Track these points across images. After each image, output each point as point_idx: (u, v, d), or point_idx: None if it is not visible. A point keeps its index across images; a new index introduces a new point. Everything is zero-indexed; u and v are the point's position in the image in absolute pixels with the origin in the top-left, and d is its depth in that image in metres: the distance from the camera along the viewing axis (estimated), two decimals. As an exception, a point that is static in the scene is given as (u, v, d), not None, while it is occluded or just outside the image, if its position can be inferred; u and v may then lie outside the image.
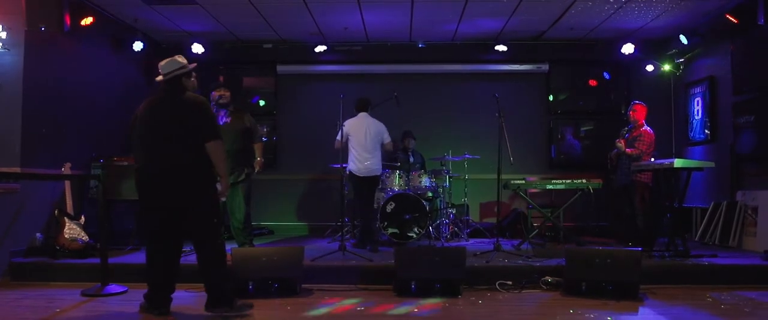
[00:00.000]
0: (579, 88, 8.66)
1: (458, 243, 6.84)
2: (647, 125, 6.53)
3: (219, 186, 4.09)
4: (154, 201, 4.04)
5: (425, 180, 6.99)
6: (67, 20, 6.17)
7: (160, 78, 4.17)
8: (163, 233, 4.07)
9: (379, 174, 6.53)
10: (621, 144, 6.46)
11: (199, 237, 4.08)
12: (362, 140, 6.37)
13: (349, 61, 8.62)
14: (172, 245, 4.13)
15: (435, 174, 7.24)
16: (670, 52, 7.97)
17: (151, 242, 4.11)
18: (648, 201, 6.41)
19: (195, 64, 4.28)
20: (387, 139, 6.59)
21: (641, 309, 4.26)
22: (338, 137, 6.41)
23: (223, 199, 4.07)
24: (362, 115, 6.57)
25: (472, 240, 7.14)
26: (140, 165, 4.07)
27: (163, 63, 4.15)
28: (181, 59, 4.18)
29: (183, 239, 4.19)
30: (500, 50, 8.19)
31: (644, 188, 6.38)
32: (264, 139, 6.53)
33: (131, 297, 4.63)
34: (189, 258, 5.53)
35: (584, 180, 6.53)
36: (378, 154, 6.46)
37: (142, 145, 4.07)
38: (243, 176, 5.86)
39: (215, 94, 5.87)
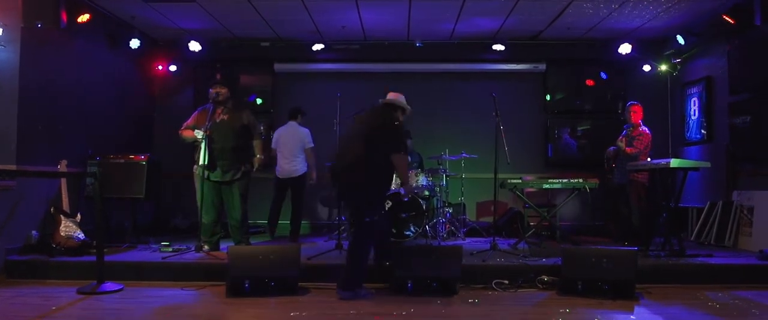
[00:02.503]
0: (576, 88, 8.67)
1: (455, 243, 6.83)
2: (644, 125, 6.56)
3: (402, 190, 4.94)
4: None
5: (422, 179, 6.98)
6: (64, 17, 6.15)
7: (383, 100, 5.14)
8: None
9: (298, 175, 7.02)
10: (622, 142, 6.47)
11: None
12: (284, 146, 7.05)
13: (346, 59, 8.61)
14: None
15: (432, 173, 7.23)
16: (667, 52, 7.99)
17: None
18: (645, 201, 6.43)
19: (410, 110, 5.19)
20: (308, 144, 7.10)
21: (637, 309, 4.27)
22: (272, 144, 7.18)
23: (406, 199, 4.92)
24: (291, 123, 7.19)
25: (468, 240, 7.14)
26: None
27: (392, 94, 5.16)
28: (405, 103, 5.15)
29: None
30: (497, 49, 8.20)
31: (641, 187, 6.40)
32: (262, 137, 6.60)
33: (127, 295, 4.63)
34: (186, 255, 5.54)
35: (581, 180, 6.54)
36: (298, 159, 7.02)
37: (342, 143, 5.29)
38: (240, 174, 5.85)
39: (212, 91, 5.86)
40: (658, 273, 5.10)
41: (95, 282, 4.77)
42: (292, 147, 7.01)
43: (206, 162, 5.66)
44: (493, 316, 4.07)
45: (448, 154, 7.35)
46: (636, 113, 6.57)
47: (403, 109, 5.10)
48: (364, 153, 4.70)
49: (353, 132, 5.08)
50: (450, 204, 7.46)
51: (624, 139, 6.53)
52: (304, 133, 7.12)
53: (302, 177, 7.10)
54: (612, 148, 6.74)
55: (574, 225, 8.04)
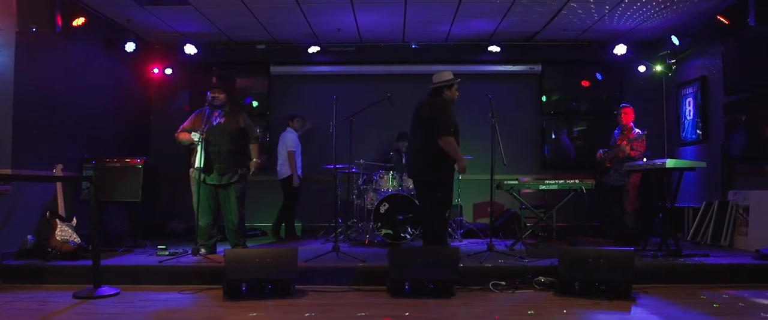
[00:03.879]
0: (571, 89, 8.69)
1: (451, 244, 6.83)
2: (636, 127, 6.61)
3: (456, 166, 5.13)
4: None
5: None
6: (59, 20, 6.15)
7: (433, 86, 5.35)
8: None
9: (285, 177, 7.52)
10: (627, 146, 6.47)
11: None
12: (278, 151, 7.66)
13: (342, 61, 8.62)
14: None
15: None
16: (662, 53, 8.02)
17: None
18: (639, 202, 6.46)
19: (459, 79, 5.30)
20: (288, 148, 7.52)
21: (634, 309, 4.28)
22: None
23: (461, 176, 5.07)
24: (286, 129, 7.73)
25: (465, 241, 7.15)
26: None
27: (435, 75, 5.33)
28: (450, 75, 5.29)
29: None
30: (493, 51, 8.22)
31: (636, 188, 6.43)
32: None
33: (123, 299, 4.61)
34: (183, 259, 5.52)
35: (577, 181, 6.55)
36: (285, 162, 7.51)
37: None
38: (236, 177, 5.85)
39: (210, 94, 5.87)
40: (654, 274, 5.11)
41: (91, 286, 4.76)
42: (280, 151, 7.60)
43: (203, 166, 5.65)
44: (490, 318, 4.07)
45: (444, 156, 7.35)
46: (627, 115, 6.62)
47: (448, 87, 5.27)
48: (425, 143, 5.13)
49: (412, 129, 5.43)
50: (447, 206, 7.45)
51: (627, 142, 6.51)
52: (288, 137, 7.58)
53: (287, 180, 7.49)
54: (601, 150, 6.78)
55: (570, 226, 8.05)
